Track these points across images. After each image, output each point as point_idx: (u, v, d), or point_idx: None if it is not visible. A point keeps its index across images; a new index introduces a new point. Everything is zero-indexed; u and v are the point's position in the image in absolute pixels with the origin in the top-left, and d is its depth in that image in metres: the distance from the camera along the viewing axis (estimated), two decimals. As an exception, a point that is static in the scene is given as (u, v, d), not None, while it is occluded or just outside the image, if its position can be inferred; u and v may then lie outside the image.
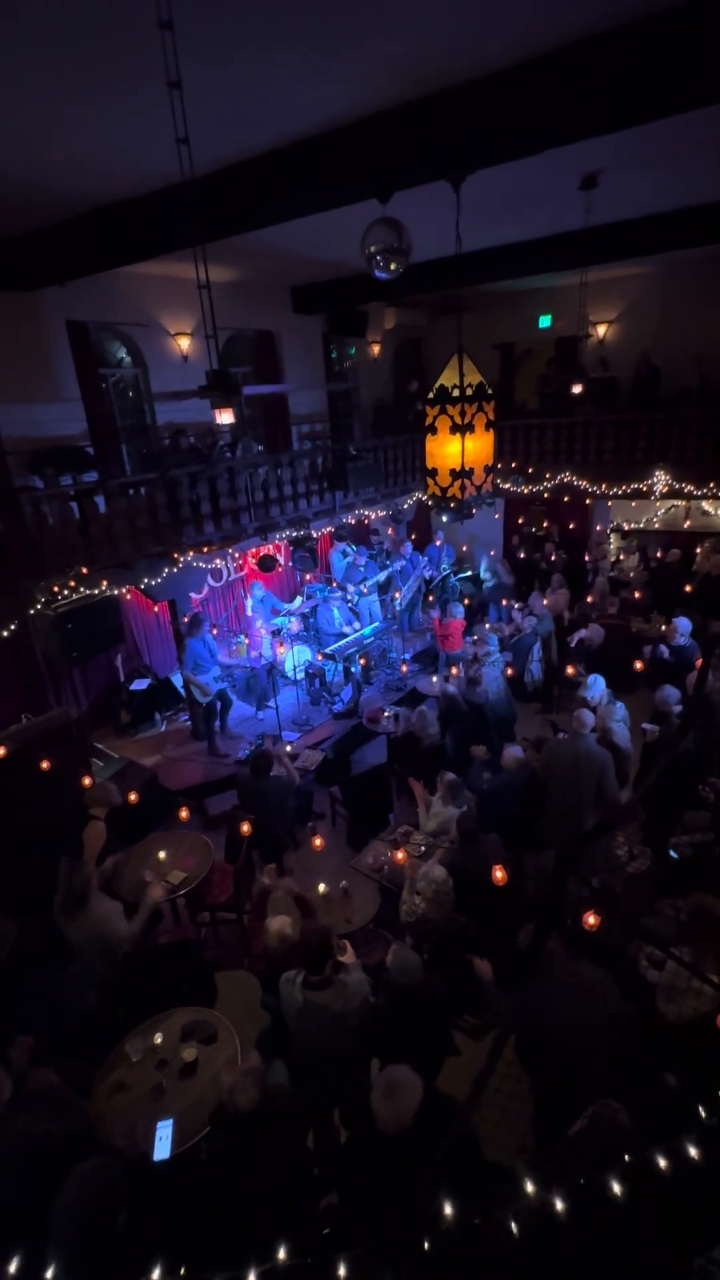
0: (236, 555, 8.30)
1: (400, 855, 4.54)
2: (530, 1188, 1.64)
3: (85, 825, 4.36)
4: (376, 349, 11.54)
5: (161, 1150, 2.89)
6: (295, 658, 7.97)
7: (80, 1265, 1.88)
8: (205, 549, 7.33)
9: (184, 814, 5.20)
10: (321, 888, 4.50)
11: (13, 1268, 1.56)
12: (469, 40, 3.11)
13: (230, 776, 6.49)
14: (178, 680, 7.81)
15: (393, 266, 4.20)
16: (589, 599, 8.95)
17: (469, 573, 11.06)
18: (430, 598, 10.04)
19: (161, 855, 4.89)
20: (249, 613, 8.58)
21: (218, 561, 7.78)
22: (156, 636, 8.10)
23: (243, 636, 8.27)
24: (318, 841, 4.84)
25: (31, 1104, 2.67)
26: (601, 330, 10.87)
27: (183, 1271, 1.53)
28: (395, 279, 4.32)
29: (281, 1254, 1.60)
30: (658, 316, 10.33)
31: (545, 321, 11.34)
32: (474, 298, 11.06)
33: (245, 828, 4.86)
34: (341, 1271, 1.53)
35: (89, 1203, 2.10)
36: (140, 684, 7.65)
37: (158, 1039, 3.43)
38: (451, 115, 3.60)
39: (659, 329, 10.29)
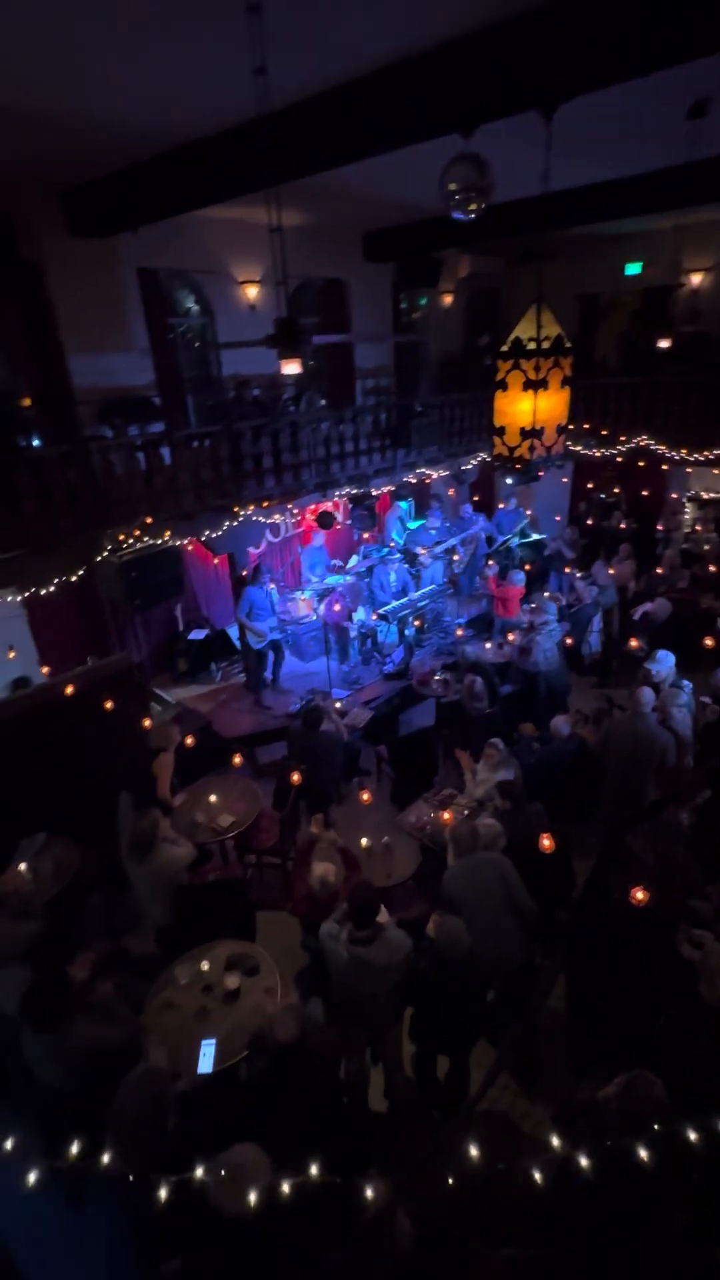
0: (295, 511, 8.31)
1: (447, 815, 4.58)
2: (556, 1142, 1.68)
3: (154, 758, 4.66)
4: (449, 299, 11.04)
5: (204, 1065, 3.11)
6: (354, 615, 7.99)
7: (135, 1158, 2.07)
8: (265, 503, 7.37)
9: (238, 760, 5.39)
10: (364, 841, 4.61)
11: (74, 1150, 1.73)
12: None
13: (281, 728, 6.66)
14: (234, 632, 8.00)
15: (472, 207, 3.96)
16: (659, 571, 8.53)
17: (532, 538, 10.71)
18: (491, 562, 9.81)
19: (213, 799, 5.12)
20: (305, 566, 8.61)
21: (276, 517, 7.82)
22: (215, 589, 8.28)
23: (299, 593, 8.34)
24: (366, 796, 4.94)
25: (93, 1010, 2.92)
26: (696, 279, 10.00)
27: (224, 1173, 1.66)
28: (474, 221, 4.07)
29: (314, 1170, 1.71)
30: (762, 264, 9.42)
31: (634, 269, 10.52)
32: (557, 243, 10.34)
33: (295, 778, 5.00)
34: (368, 1194, 1.63)
35: (142, 1104, 2.30)
36: (198, 634, 7.88)
37: (204, 966, 3.66)
38: (544, 36, 3.29)
39: (763, 278, 9.40)
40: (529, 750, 5.39)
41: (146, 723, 5.47)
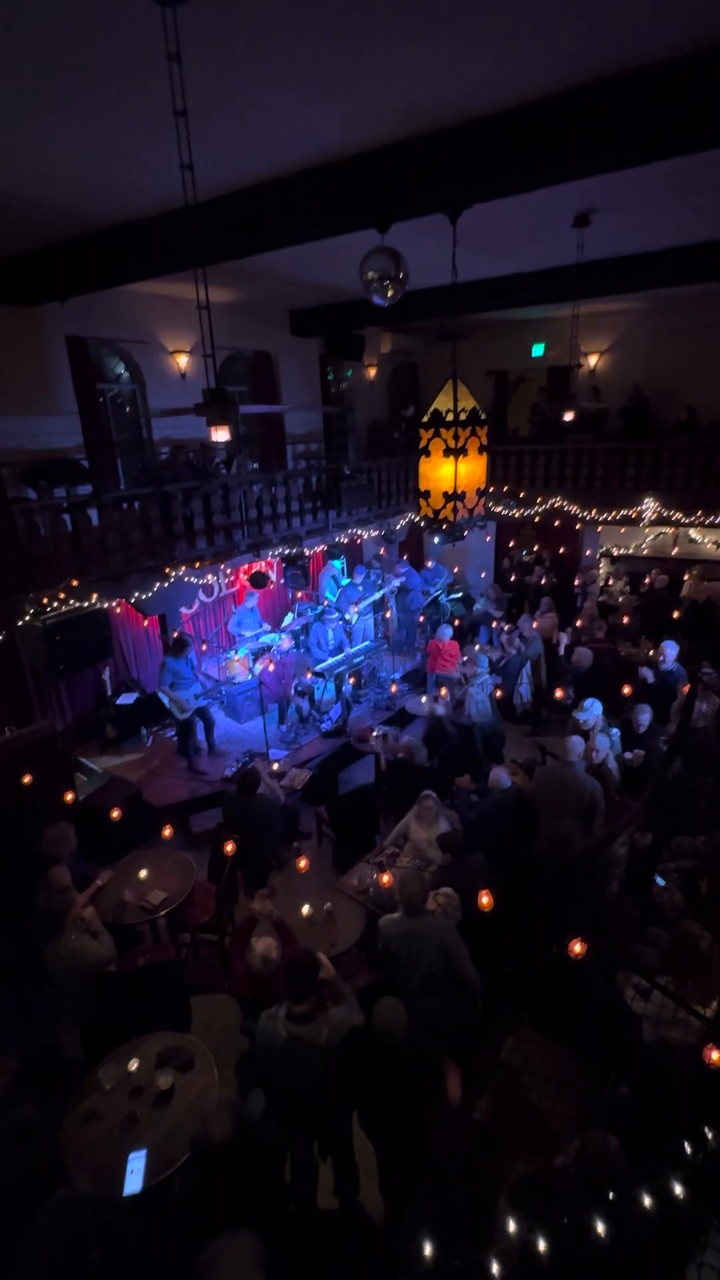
0: (228, 571, 8.31)
1: (386, 878, 4.49)
2: (512, 1227, 1.59)
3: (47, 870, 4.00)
4: (373, 372, 11.72)
5: (133, 1183, 2.79)
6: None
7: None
8: (197, 564, 7.33)
9: (167, 832, 5.11)
10: (305, 910, 4.43)
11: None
12: (465, 84, 3.22)
13: (216, 794, 6.41)
14: (163, 697, 7.76)
15: (390, 294, 4.29)
16: (578, 623, 9.02)
17: (460, 594, 11.14)
18: (423, 618, 10.08)
19: (143, 874, 4.81)
20: (232, 626, 8.53)
21: (209, 577, 7.79)
22: (145, 651, 8.06)
23: (232, 653, 8.24)
24: (303, 863, 4.77)
25: (3, 1133, 2.59)
26: (593, 360, 11.11)
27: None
28: (392, 306, 4.40)
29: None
30: (647, 349, 10.59)
31: (538, 350, 11.58)
32: (469, 325, 11.28)
33: (229, 847, 4.79)
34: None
35: (59, 1238, 2.02)
36: (127, 698, 7.58)
37: (132, 1065, 3.34)
38: (450, 152, 3.71)
39: (648, 361, 10.54)
40: (468, 803, 5.43)
41: (69, 797, 5.15)
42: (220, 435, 3.58)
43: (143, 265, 5.35)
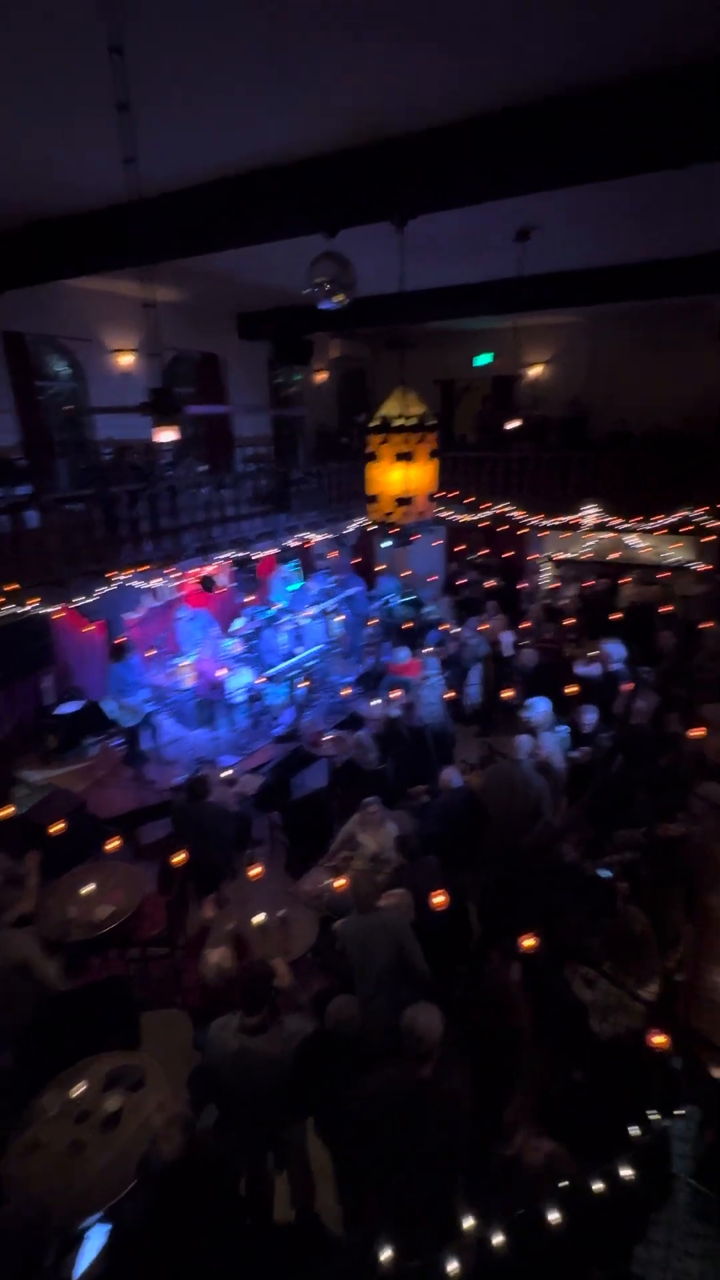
0: (176, 575, 8.13)
1: (340, 883, 4.47)
2: (468, 1224, 1.61)
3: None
4: (321, 376, 11.73)
5: (84, 1263, 2.59)
6: (236, 680, 7.84)
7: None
8: (144, 568, 7.15)
9: (114, 844, 4.94)
10: (258, 918, 4.37)
11: None
12: (410, 97, 3.27)
13: (165, 803, 6.24)
14: (111, 705, 7.51)
15: (338, 298, 4.30)
16: (525, 625, 9.26)
17: (412, 597, 11.26)
18: (373, 621, 10.13)
19: (87, 890, 4.63)
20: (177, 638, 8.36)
21: (156, 581, 7.61)
22: (89, 658, 7.78)
23: (179, 659, 8.06)
24: (255, 871, 4.70)
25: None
26: (534, 371, 11.46)
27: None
28: (340, 310, 4.42)
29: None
30: (585, 362, 11.01)
31: (484, 360, 11.86)
32: (417, 334, 11.45)
33: (179, 857, 4.67)
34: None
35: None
36: (69, 707, 7.28)
37: (77, 1090, 3.20)
38: (394, 162, 3.76)
39: (587, 373, 10.97)
40: (420, 805, 5.47)
41: (10, 810, 4.91)
42: (166, 436, 3.51)
43: (85, 260, 5.21)
